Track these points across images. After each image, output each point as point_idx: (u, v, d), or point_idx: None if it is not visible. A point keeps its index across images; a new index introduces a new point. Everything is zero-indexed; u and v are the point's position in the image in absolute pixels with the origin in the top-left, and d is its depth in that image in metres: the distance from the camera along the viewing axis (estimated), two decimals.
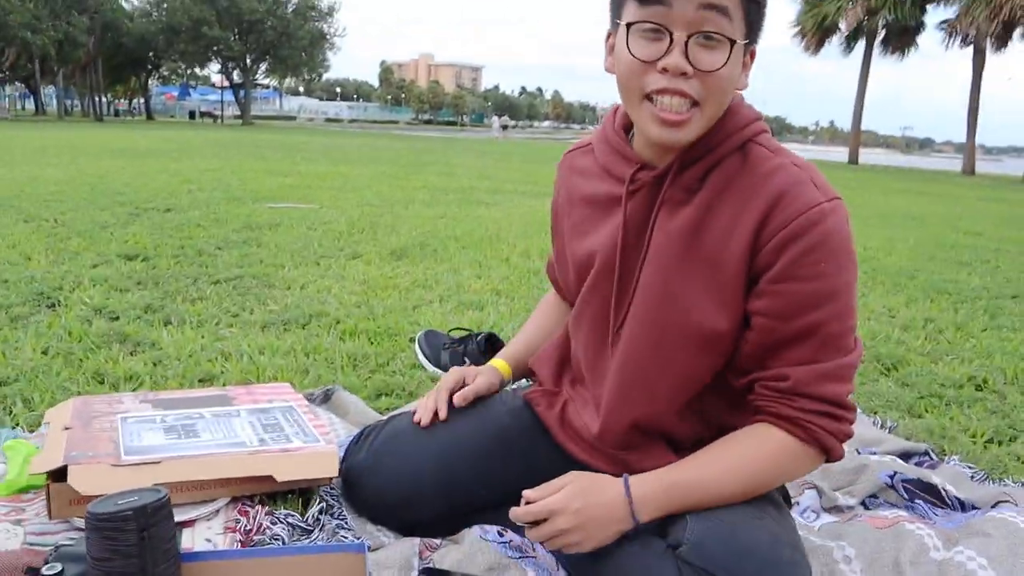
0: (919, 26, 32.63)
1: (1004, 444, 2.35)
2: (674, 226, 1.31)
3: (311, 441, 1.72)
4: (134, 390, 2.33)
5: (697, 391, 1.37)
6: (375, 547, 1.50)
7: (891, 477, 1.90)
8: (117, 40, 49.70)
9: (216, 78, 66.42)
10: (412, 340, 2.87)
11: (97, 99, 53.35)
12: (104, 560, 1.17)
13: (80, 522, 1.50)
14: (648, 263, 1.33)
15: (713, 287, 1.28)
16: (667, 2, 1.18)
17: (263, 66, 54.56)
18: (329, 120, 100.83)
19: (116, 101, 69.50)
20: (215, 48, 50.41)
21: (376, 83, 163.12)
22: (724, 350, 1.33)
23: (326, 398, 2.28)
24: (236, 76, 54.24)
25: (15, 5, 40.17)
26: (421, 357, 2.70)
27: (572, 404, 1.55)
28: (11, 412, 2.13)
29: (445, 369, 2.54)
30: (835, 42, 33.87)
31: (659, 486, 1.28)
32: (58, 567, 1.18)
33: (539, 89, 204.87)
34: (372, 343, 2.95)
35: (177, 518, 1.30)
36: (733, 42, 1.20)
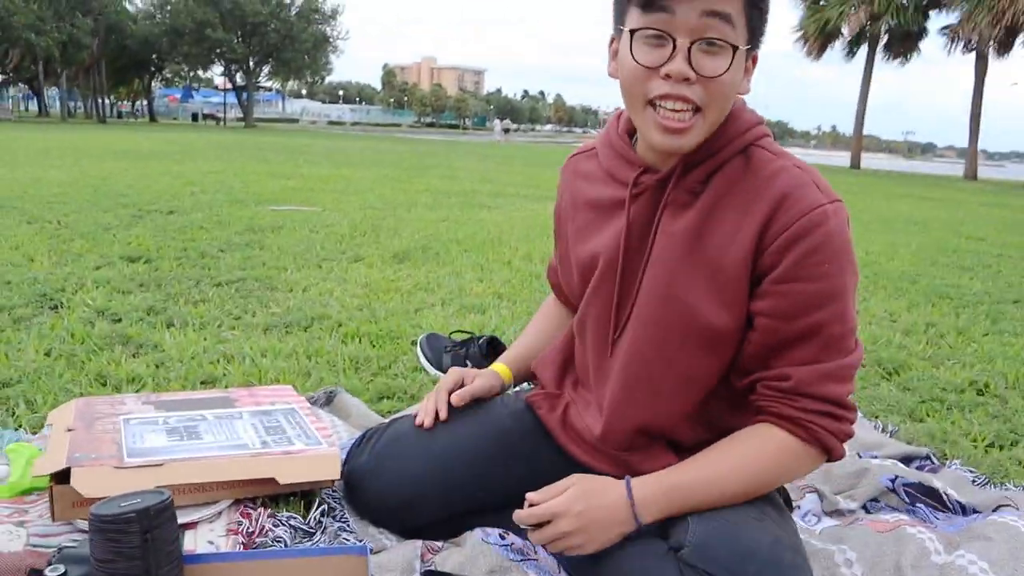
0: (922, 31, 32.64)
1: (1005, 448, 2.35)
2: (677, 228, 1.32)
3: (313, 444, 1.72)
4: (136, 392, 2.34)
5: (699, 392, 1.38)
6: (377, 549, 1.50)
7: (892, 481, 1.90)
8: (121, 42, 49.75)
9: (219, 80, 66.56)
10: (414, 343, 2.87)
11: (100, 101, 53.43)
12: (108, 562, 1.17)
13: (83, 524, 1.50)
14: (652, 265, 1.34)
15: (716, 288, 1.29)
16: (670, 9, 1.19)
17: (266, 69, 54.58)
18: (331, 123, 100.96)
19: (119, 103, 69.52)
20: (218, 51, 50.44)
21: (379, 86, 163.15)
22: (727, 350, 1.34)
23: (328, 401, 2.29)
24: (239, 79, 54.32)
25: (19, 6, 40.27)
26: (423, 360, 2.70)
27: (574, 406, 1.56)
28: (14, 414, 2.13)
29: (447, 372, 2.54)
30: (837, 47, 33.90)
31: (661, 488, 1.29)
32: (61, 569, 1.19)
33: (541, 92, 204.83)
34: (374, 346, 2.95)
35: (179, 520, 1.30)
36: (735, 48, 1.21)
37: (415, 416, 1.62)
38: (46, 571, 1.19)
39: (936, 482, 1.91)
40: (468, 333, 2.76)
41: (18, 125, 33.29)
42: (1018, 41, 28.44)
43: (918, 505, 1.86)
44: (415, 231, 6.03)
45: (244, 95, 55.45)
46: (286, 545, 1.52)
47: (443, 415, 1.59)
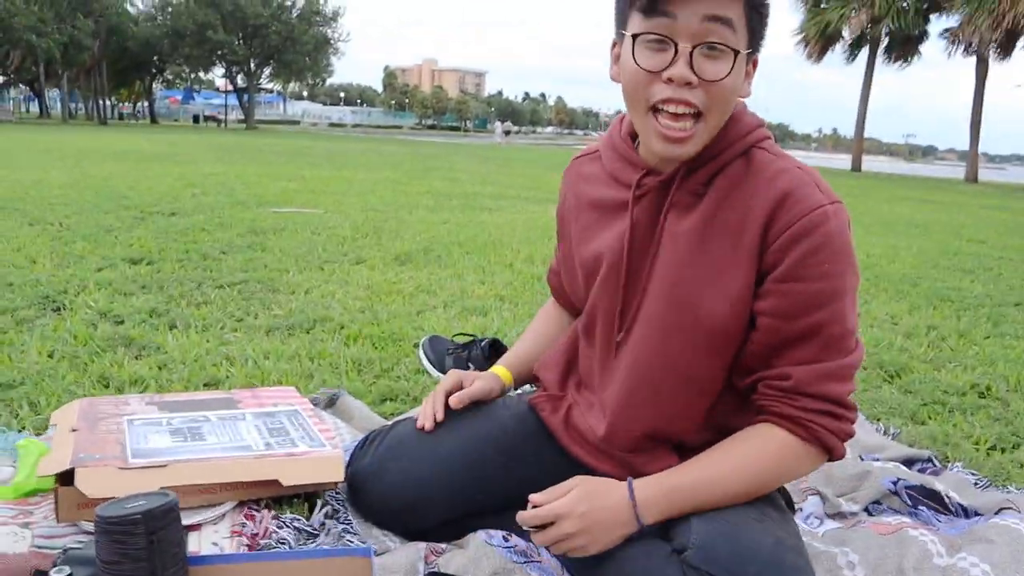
0: (922, 35, 32.63)
1: (1007, 451, 2.36)
2: (682, 229, 1.33)
3: (317, 446, 1.72)
4: (140, 394, 2.34)
5: (702, 393, 1.39)
6: (381, 551, 1.51)
7: (894, 483, 1.90)
8: (122, 44, 49.74)
9: (220, 82, 66.58)
10: (416, 345, 2.88)
11: (101, 102, 53.44)
12: (113, 563, 1.17)
13: (87, 525, 1.50)
14: (658, 265, 1.35)
15: (722, 287, 1.30)
16: (672, 14, 1.20)
17: (267, 71, 54.55)
18: (333, 125, 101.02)
19: (120, 105, 69.53)
20: (219, 52, 50.41)
21: (380, 88, 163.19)
22: (731, 350, 1.35)
23: (331, 403, 2.29)
24: (240, 80, 54.31)
25: (20, 8, 40.29)
26: (425, 362, 2.71)
27: (577, 408, 1.56)
28: (17, 415, 2.14)
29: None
30: (838, 50, 33.88)
31: (662, 489, 1.30)
32: (67, 570, 1.19)
33: (542, 95, 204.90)
34: (376, 348, 2.96)
35: (183, 522, 1.30)
36: (736, 52, 1.22)
37: (417, 419, 1.62)
38: (51, 572, 1.19)
39: (938, 485, 1.92)
40: (470, 335, 2.77)
41: (19, 126, 33.31)
42: (1019, 44, 28.44)
43: (920, 508, 1.86)
44: (417, 233, 6.03)
45: (245, 97, 55.46)
46: (290, 547, 1.52)
47: (439, 417, 1.59)
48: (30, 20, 40.80)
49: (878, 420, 2.53)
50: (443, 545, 1.53)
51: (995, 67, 29.54)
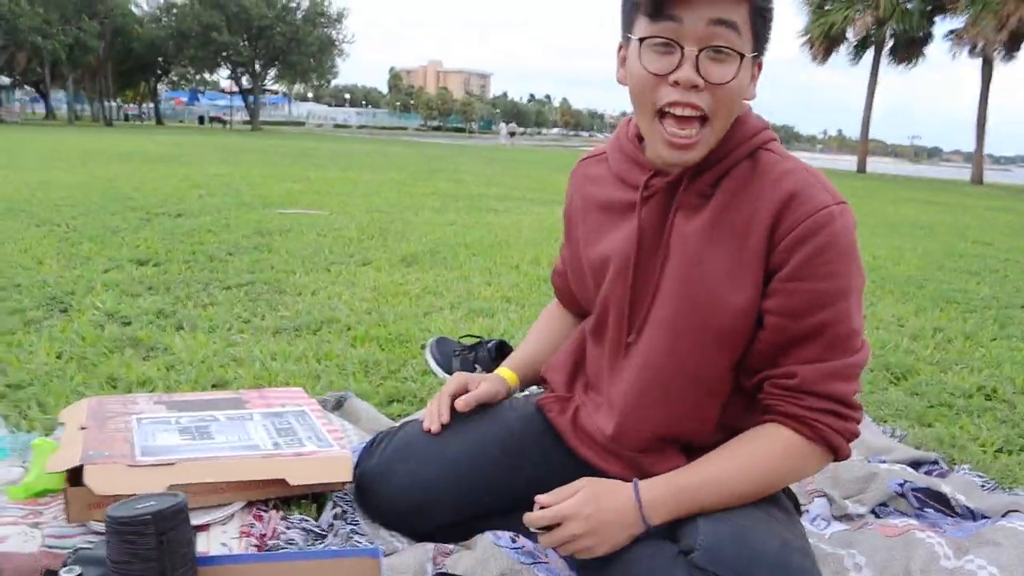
0: (927, 36, 32.59)
1: (1014, 454, 2.35)
2: (690, 230, 1.34)
3: (325, 446, 1.73)
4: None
5: (711, 393, 1.39)
6: (389, 552, 1.51)
7: (901, 486, 1.90)
8: (127, 45, 49.83)
9: (225, 83, 66.68)
10: (423, 347, 2.88)
11: (106, 104, 53.56)
12: (123, 563, 1.18)
13: (97, 525, 1.51)
14: (668, 266, 1.36)
15: (730, 288, 1.31)
16: (678, 18, 1.21)
17: (272, 72, 54.60)
18: (338, 126, 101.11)
19: (125, 106, 69.74)
20: (224, 54, 50.49)
21: (385, 89, 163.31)
22: (739, 350, 1.35)
23: (338, 405, 2.30)
24: (245, 82, 54.35)
25: (25, 10, 40.37)
26: (432, 364, 2.71)
27: (584, 409, 1.56)
28: (26, 416, 2.15)
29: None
30: (843, 52, 33.86)
31: (669, 490, 1.30)
32: (77, 570, 1.20)
33: (547, 96, 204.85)
34: (383, 349, 2.96)
35: (192, 522, 1.31)
36: (742, 55, 1.23)
37: (423, 421, 1.63)
38: (62, 572, 1.20)
39: (945, 487, 1.92)
40: (477, 337, 2.77)
41: (25, 128, 33.43)
42: None
43: (927, 510, 1.86)
44: (423, 235, 6.04)
45: (250, 98, 55.54)
46: (298, 547, 1.53)
47: (445, 419, 1.60)
48: (35, 22, 40.90)
49: (885, 422, 2.53)
50: (451, 546, 1.53)
51: (1000, 68, 29.49)
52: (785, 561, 1.21)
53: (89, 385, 2.40)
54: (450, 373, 2.63)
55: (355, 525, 1.60)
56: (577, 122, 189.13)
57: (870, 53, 33.25)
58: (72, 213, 6.08)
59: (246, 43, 50.42)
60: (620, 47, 1.34)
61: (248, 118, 56.86)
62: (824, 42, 32.92)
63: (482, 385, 1.65)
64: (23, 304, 3.26)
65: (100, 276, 3.89)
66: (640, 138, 1.43)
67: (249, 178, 10.47)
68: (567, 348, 1.66)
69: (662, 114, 1.27)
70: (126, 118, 66.98)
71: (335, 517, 1.61)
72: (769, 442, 1.33)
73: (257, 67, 52.67)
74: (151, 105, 65.88)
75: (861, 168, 34.15)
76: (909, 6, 31.06)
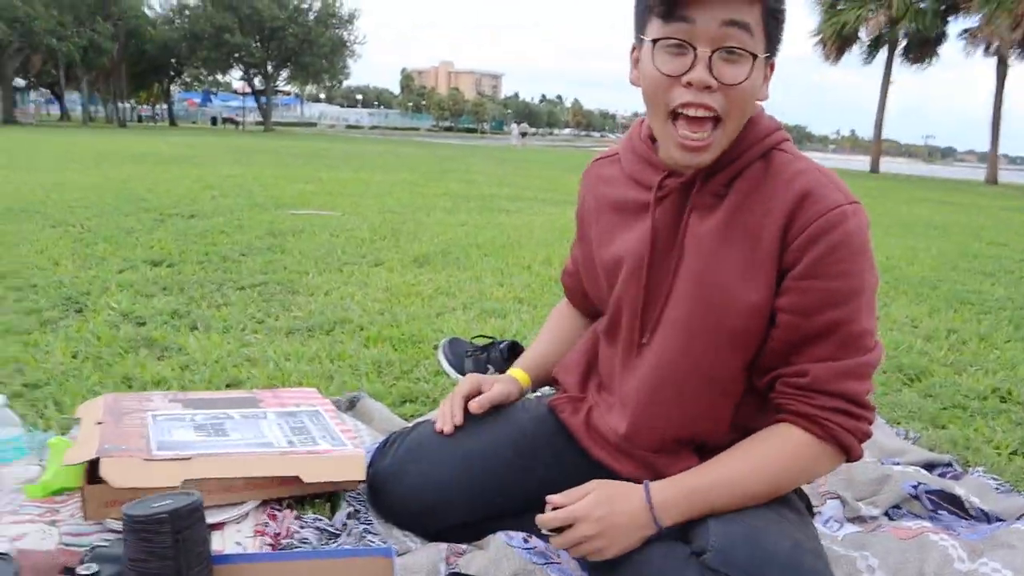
0: (941, 36, 32.43)
1: None
2: (704, 230, 1.34)
3: (338, 445, 1.74)
4: None
5: (723, 392, 1.39)
6: (402, 552, 1.52)
7: (915, 488, 1.89)
8: (140, 47, 50.00)
9: (238, 85, 66.89)
10: (435, 347, 2.89)
11: (120, 105, 53.81)
12: (140, 561, 1.19)
13: (113, 524, 1.52)
14: (682, 266, 1.36)
15: (744, 288, 1.31)
16: (691, 19, 1.21)
17: (284, 73, 54.70)
18: (350, 127, 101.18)
19: (139, 107, 70.04)
20: (237, 55, 50.62)
21: (396, 90, 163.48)
22: (753, 349, 1.35)
23: (351, 405, 2.31)
24: (258, 83, 54.50)
25: (40, 12, 40.59)
26: (444, 364, 2.71)
27: (597, 409, 1.57)
28: (43, 415, 2.16)
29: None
30: (856, 51, 33.74)
31: (681, 491, 1.31)
32: (94, 568, 1.21)
33: (559, 97, 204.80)
34: (396, 350, 2.97)
35: (207, 521, 1.32)
36: (755, 56, 1.24)
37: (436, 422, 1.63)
38: (79, 569, 1.22)
39: (959, 489, 1.91)
40: (489, 337, 2.77)
41: (40, 129, 33.64)
42: None
43: (941, 512, 1.86)
44: (435, 235, 6.05)
45: (263, 99, 55.68)
46: (312, 547, 1.53)
47: (458, 420, 1.60)
48: (50, 24, 41.10)
49: (898, 424, 2.52)
50: (464, 546, 1.54)
51: (1015, 67, 29.36)
52: (797, 562, 1.21)
53: (104, 384, 2.41)
54: (462, 374, 2.63)
55: (368, 525, 1.60)
56: (589, 123, 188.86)
57: (883, 53, 33.14)
58: (87, 214, 6.12)
59: (258, 44, 50.56)
60: (633, 48, 1.35)
61: (260, 119, 57.03)
62: (836, 42, 32.80)
63: (495, 387, 1.66)
64: (39, 304, 3.29)
65: (115, 276, 3.92)
66: (653, 139, 1.43)
67: (262, 179, 10.51)
68: (580, 348, 1.67)
69: (675, 115, 1.27)
70: (139, 119, 67.25)
71: (348, 516, 1.62)
72: (780, 442, 1.32)
73: (269, 68, 52.80)
74: (164, 106, 66.11)
75: (874, 168, 34.02)
76: (923, 5, 30.93)
